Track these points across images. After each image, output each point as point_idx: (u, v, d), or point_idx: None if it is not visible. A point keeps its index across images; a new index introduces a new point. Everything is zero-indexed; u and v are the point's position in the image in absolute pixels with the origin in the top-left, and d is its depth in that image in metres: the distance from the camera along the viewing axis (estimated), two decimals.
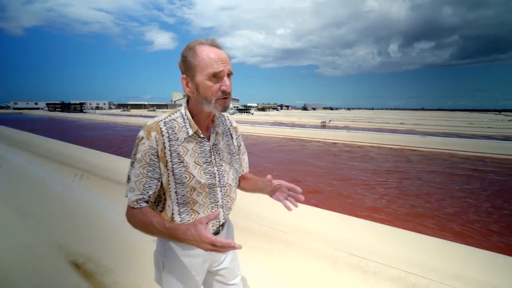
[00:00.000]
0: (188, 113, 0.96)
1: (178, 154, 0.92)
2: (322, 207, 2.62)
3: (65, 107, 57.24)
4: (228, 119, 1.15)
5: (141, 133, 0.92)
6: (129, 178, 0.93)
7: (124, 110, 66.48)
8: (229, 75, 0.91)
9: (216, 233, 1.07)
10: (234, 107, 68.03)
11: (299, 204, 1.02)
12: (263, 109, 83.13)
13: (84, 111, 53.64)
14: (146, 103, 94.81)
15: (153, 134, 0.90)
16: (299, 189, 0.99)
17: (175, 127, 0.93)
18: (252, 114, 46.83)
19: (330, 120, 23.58)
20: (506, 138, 13.61)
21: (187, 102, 0.99)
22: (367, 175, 6.73)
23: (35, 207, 3.39)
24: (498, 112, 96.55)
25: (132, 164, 0.93)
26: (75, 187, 4.05)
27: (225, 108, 0.92)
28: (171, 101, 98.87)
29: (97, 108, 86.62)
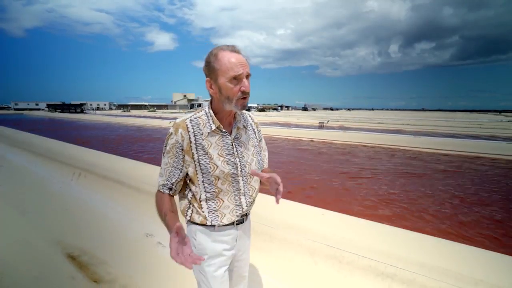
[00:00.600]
0: (211, 111, 1.07)
1: (203, 147, 1.04)
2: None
3: (65, 107, 57.46)
4: (250, 116, 1.24)
5: (171, 130, 1.06)
6: (161, 167, 1.09)
7: (124, 111, 66.64)
8: (247, 76, 1.01)
9: (240, 222, 1.15)
10: None
11: (284, 199, 1.09)
12: (263, 110, 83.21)
13: (84, 111, 53.81)
14: (146, 103, 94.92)
15: (180, 130, 1.04)
16: (278, 180, 0.99)
17: (200, 123, 1.06)
18: (252, 114, 46.92)
19: (328, 121, 23.71)
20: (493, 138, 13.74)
21: (211, 102, 1.10)
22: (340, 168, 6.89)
23: (34, 204, 3.52)
24: (498, 113, 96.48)
25: (163, 154, 1.08)
26: (73, 186, 4.18)
27: (244, 107, 1.03)
28: (171, 101, 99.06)
29: (98, 108, 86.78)
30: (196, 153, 1.04)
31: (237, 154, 1.09)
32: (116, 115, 37.00)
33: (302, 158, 9.23)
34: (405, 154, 10.10)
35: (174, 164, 1.05)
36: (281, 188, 1.00)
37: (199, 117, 1.07)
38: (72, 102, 77.28)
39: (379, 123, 23.97)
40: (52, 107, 59.78)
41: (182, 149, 1.04)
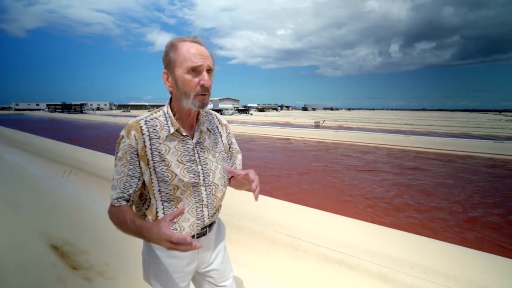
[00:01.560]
0: (170, 111, 0.96)
1: (159, 152, 0.92)
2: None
3: (65, 108, 57.78)
4: (216, 117, 1.13)
5: (122, 132, 0.93)
6: (113, 178, 0.95)
7: (124, 111, 66.90)
8: (209, 71, 0.90)
9: (203, 234, 1.04)
10: (234, 107, 68.29)
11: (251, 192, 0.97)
12: (262, 110, 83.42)
13: (83, 112, 54.07)
14: (146, 103, 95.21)
15: (133, 132, 0.91)
16: (251, 177, 0.92)
17: (156, 125, 0.93)
18: (251, 114, 47.08)
19: (324, 121, 23.88)
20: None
21: (170, 100, 0.98)
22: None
23: (25, 199, 3.70)
24: (499, 113, 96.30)
25: (115, 162, 0.94)
26: (64, 182, 4.35)
27: (203, 105, 0.91)
28: None
29: (98, 109, 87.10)
30: (152, 160, 0.91)
31: (200, 161, 0.98)
32: (114, 115, 37.21)
33: (277, 155, 9.75)
34: (381, 151, 10.51)
35: (129, 172, 0.92)
36: (254, 185, 0.90)
37: (156, 118, 0.95)
38: (73, 103, 77.64)
39: (377, 122, 24.16)
40: (52, 107, 60.11)
41: (137, 154, 0.91)
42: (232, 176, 1.10)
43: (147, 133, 0.92)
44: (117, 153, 0.93)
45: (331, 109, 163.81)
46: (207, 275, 1.13)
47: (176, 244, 0.73)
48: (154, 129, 0.93)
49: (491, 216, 4.35)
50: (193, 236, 1.02)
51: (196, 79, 0.88)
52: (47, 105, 65.65)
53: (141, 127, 0.92)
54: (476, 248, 1.79)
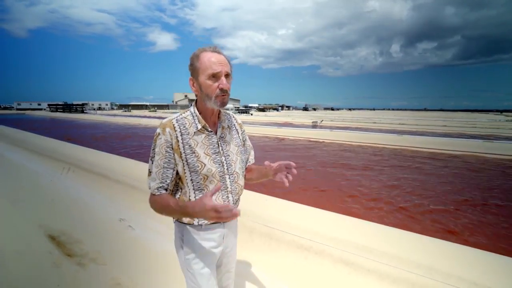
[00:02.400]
0: (196, 111, 1.12)
1: (190, 146, 1.07)
2: None
3: (66, 107, 58.16)
4: (234, 117, 1.30)
5: (158, 130, 1.08)
6: (150, 171, 1.09)
7: (125, 111, 67.23)
8: (227, 75, 1.06)
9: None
10: (235, 107, 68.42)
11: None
12: (263, 110, 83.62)
13: (84, 111, 54.40)
14: (147, 103, 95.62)
15: (168, 129, 1.06)
16: (292, 163, 1.10)
17: (186, 123, 1.09)
18: (251, 114, 47.24)
19: (322, 120, 24.05)
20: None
21: (196, 102, 1.15)
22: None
23: (25, 195, 3.89)
24: (500, 113, 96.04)
25: (152, 157, 1.08)
26: (62, 179, 4.55)
27: (223, 104, 1.07)
28: (173, 101, 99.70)
29: (99, 108, 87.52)
30: (184, 152, 1.06)
31: (223, 152, 1.14)
32: (114, 115, 37.49)
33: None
34: (365, 149, 11.01)
35: (166, 164, 1.06)
36: (294, 170, 1.09)
37: (185, 117, 1.11)
38: (74, 102, 78.07)
39: (374, 122, 24.31)
40: (53, 107, 60.50)
41: (172, 148, 1.06)
42: (250, 171, 1.30)
43: (179, 130, 1.07)
44: (154, 148, 1.08)
45: (332, 109, 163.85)
46: (224, 260, 1.26)
47: (220, 213, 0.86)
48: (184, 126, 1.09)
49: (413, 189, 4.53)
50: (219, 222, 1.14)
51: (216, 84, 1.04)
52: (49, 105, 66.07)
53: (173, 124, 1.08)
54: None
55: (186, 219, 1.11)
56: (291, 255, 2.05)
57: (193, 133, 1.09)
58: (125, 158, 4.97)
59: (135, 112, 60.22)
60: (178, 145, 1.06)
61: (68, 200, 3.71)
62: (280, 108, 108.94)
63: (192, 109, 1.13)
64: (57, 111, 54.66)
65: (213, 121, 1.15)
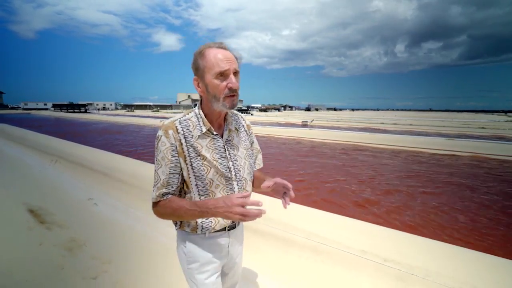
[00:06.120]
0: (201, 112, 1.02)
1: (194, 149, 0.98)
2: None
3: (70, 107, 59.57)
4: (242, 117, 1.19)
5: (159, 133, 0.98)
6: (157, 179, 0.99)
7: (128, 111, 68.36)
8: (235, 73, 0.95)
9: (233, 227, 1.12)
10: (237, 107, 68.88)
11: None
12: (265, 110, 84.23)
13: (88, 111, 55.61)
14: (151, 103, 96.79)
15: (170, 132, 0.97)
16: (289, 185, 1.00)
17: (189, 125, 1.00)
18: (252, 114, 47.75)
19: (313, 120, 24.51)
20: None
21: (201, 102, 1.05)
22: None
23: (16, 181, 4.53)
24: (504, 113, 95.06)
25: (157, 162, 1.00)
26: (50, 169, 5.19)
27: (233, 106, 0.97)
28: (176, 101, 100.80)
29: (104, 108, 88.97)
30: (188, 156, 0.98)
31: (230, 157, 1.05)
32: (115, 115, 38.38)
33: None
34: (327, 145, 11.85)
35: (171, 170, 0.98)
36: (292, 193, 0.99)
37: (189, 119, 1.02)
38: (80, 102, 79.60)
39: (369, 122, 24.78)
40: (57, 107, 61.86)
41: (177, 152, 0.98)
42: (255, 177, 1.19)
43: (182, 132, 0.99)
44: (158, 154, 0.99)
45: (335, 109, 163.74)
46: (230, 269, 1.21)
47: (247, 211, 0.82)
48: (188, 129, 1.00)
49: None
50: (224, 229, 1.09)
51: (224, 83, 0.94)
52: (53, 105, 67.51)
53: (176, 126, 0.99)
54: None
55: (189, 228, 1.05)
56: (272, 245, 2.18)
57: (197, 136, 1.00)
58: (100, 150, 5.64)
59: (138, 112, 61.26)
60: (182, 149, 0.98)
61: (51, 185, 4.35)
62: (282, 108, 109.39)
63: (197, 110, 1.04)
64: (61, 111, 55.96)
65: (219, 123, 1.06)
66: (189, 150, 0.98)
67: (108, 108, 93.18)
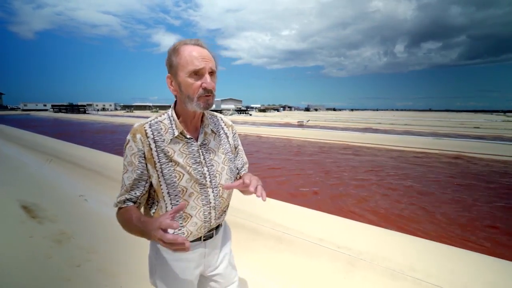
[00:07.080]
0: (174, 114, 0.96)
1: (165, 154, 0.92)
2: None
3: (69, 108, 59.82)
4: (221, 119, 1.13)
5: (128, 136, 0.93)
6: (122, 185, 0.94)
7: (127, 111, 68.58)
8: (211, 73, 0.90)
9: (209, 237, 1.05)
10: (237, 108, 69.15)
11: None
12: (264, 110, 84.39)
13: (86, 112, 55.82)
14: (151, 104, 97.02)
15: (138, 136, 0.91)
16: (247, 182, 0.91)
17: (161, 128, 0.94)
18: (250, 115, 47.94)
19: (308, 120, 24.75)
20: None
21: (174, 104, 0.99)
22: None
23: (12, 179, 4.72)
24: (503, 113, 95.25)
25: (124, 166, 0.95)
26: (45, 168, 5.38)
27: (207, 106, 0.91)
28: None
29: (103, 109, 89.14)
30: (159, 162, 0.92)
31: (205, 162, 0.98)
32: (112, 116, 38.59)
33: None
34: (313, 144, 12.29)
35: (137, 176, 0.93)
36: (252, 188, 0.89)
37: (161, 122, 0.96)
38: (80, 103, 79.85)
39: (366, 122, 25.03)
40: (56, 108, 62.11)
41: (144, 157, 0.92)
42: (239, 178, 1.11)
43: (152, 136, 0.93)
44: (125, 158, 0.95)
45: (334, 109, 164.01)
46: (212, 279, 1.13)
47: (169, 244, 0.71)
48: (159, 132, 0.94)
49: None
50: (199, 239, 1.03)
51: (199, 82, 0.88)
52: (52, 105, 67.72)
53: (145, 130, 0.93)
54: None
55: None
56: (263, 247, 2.18)
57: (169, 140, 0.94)
58: (92, 149, 5.83)
59: (137, 112, 61.48)
60: (152, 154, 0.92)
61: (45, 183, 4.53)
62: (281, 108, 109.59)
63: (170, 112, 0.98)
64: (60, 111, 56.23)
65: (194, 126, 1.00)
66: (160, 155, 0.92)
67: (108, 109, 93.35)
